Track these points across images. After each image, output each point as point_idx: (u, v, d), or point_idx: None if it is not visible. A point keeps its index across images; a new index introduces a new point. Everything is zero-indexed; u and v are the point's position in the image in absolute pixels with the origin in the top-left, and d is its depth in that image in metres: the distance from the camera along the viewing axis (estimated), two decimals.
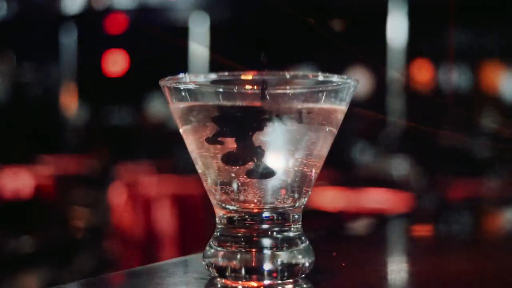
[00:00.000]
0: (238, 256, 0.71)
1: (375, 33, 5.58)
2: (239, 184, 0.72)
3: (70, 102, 6.88)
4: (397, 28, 5.49)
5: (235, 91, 0.70)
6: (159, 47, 6.41)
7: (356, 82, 0.74)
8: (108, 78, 6.85)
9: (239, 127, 0.70)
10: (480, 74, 5.70)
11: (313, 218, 3.58)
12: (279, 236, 0.73)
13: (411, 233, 1.23)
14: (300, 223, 0.75)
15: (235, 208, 0.73)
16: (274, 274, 0.71)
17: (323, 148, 0.74)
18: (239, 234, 0.73)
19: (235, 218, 0.73)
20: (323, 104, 0.72)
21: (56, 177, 5.10)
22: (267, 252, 0.72)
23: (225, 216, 0.74)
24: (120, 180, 4.64)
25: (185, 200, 3.88)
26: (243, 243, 0.72)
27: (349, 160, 5.21)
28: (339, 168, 4.82)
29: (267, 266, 0.71)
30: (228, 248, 0.72)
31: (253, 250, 0.72)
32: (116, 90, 6.83)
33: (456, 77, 5.59)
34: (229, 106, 0.70)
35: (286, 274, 0.72)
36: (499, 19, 5.19)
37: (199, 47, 6.15)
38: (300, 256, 0.73)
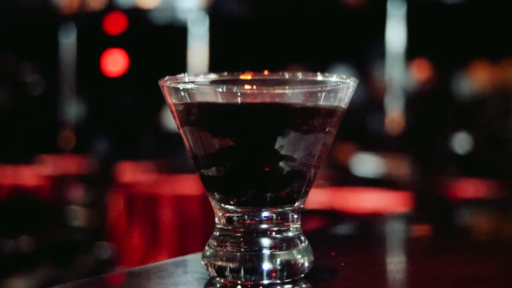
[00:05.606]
0: (237, 256, 0.71)
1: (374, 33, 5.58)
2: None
3: (69, 102, 6.87)
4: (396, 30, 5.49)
5: (235, 91, 0.70)
6: (159, 47, 6.42)
7: (355, 81, 0.74)
8: (108, 78, 6.85)
9: (238, 127, 0.70)
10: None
11: (312, 218, 3.59)
12: (278, 236, 0.73)
13: (411, 233, 1.23)
14: (299, 223, 0.75)
15: (234, 208, 0.73)
16: (273, 274, 0.71)
17: (323, 148, 0.74)
18: (238, 234, 0.72)
19: (234, 218, 0.73)
20: (322, 104, 0.71)
21: (56, 177, 5.10)
22: (266, 252, 0.71)
23: (224, 216, 0.74)
24: (120, 180, 4.64)
25: (185, 200, 3.88)
26: (242, 243, 0.72)
27: (348, 160, 5.20)
28: (338, 168, 4.82)
29: (266, 266, 0.71)
30: (227, 248, 0.72)
31: (252, 250, 0.72)
32: (115, 90, 6.83)
33: (455, 77, 5.59)
34: (228, 106, 0.70)
35: (285, 274, 0.71)
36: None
37: (198, 47, 6.15)
38: (299, 256, 0.73)
